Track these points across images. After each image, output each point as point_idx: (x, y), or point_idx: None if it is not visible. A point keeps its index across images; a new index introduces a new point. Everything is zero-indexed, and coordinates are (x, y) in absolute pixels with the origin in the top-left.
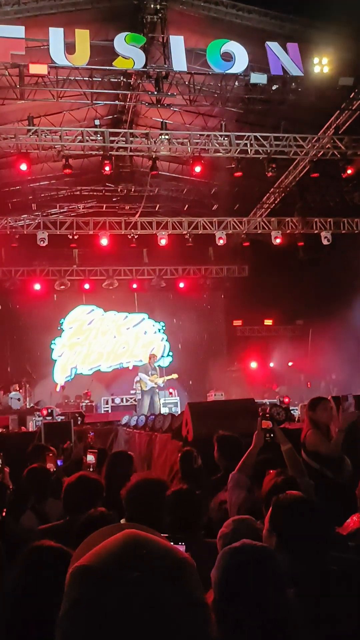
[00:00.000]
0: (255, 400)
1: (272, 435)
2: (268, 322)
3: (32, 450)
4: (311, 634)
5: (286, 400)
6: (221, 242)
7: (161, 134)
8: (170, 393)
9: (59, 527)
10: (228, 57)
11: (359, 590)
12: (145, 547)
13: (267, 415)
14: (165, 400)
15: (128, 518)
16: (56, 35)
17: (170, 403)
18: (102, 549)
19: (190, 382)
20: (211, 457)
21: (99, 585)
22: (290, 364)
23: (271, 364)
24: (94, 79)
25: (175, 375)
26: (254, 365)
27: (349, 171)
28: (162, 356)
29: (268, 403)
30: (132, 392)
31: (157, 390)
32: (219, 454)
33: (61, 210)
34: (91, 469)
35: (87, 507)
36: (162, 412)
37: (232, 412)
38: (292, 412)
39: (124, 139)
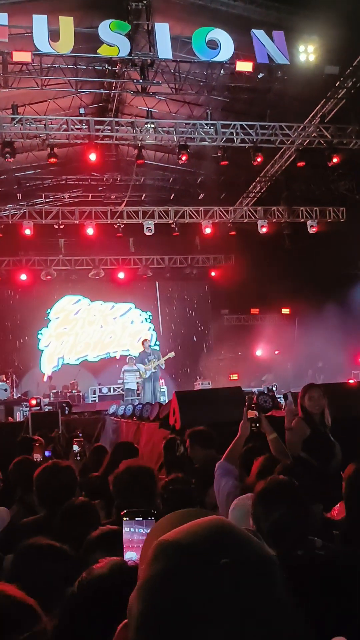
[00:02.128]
0: (243, 389)
1: (257, 424)
2: (254, 310)
3: (21, 442)
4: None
5: (275, 388)
6: (207, 231)
7: (147, 123)
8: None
9: (38, 522)
10: (214, 45)
11: (344, 580)
12: (235, 536)
13: (253, 405)
14: None
15: (118, 505)
16: (40, 22)
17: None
18: (191, 529)
19: (175, 367)
20: None
21: (187, 561)
22: (276, 352)
23: (258, 353)
24: (78, 66)
25: (172, 354)
26: (240, 353)
27: (335, 160)
28: (151, 345)
29: (256, 391)
30: (119, 381)
31: (158, 375)
32: (192, 449)
33: (47, 200)
34: (78, 458)
35: (65, 498)
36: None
37: (219, 401)
38: (278, 400)
39: (109, 127)
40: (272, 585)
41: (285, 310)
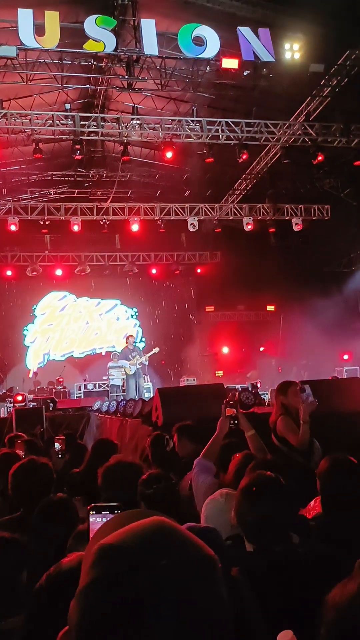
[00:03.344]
0: (227, 386)
1: (236, 422)
2: (240, 307)
3: (9, 441)
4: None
5: (259, 384)
6: (193, 228)
7: (132, 119)
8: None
9: (15, 520)
10: (199, 42)
11: (319, 575)
12: (175, 537)
13: (231, 402)
14: None
15: (105, 499)
16: (25, 17)
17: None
18: (131, 531)
19: (163, 364)
20: None
21: (126, 565)
22: (261, 349)
23: (243, 349)
24: (64, 62)
25: (156, 350)
26: (225, 350)
27: (319, 158)
28: (135, 342)
29: (239, 388)
30: (105, 377)
31: (141, 371)
32: (180, 444)
33: (32, 196)
34: (59, 456)
35: (41, 495)
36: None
37: (201, 397)
38: (262, 396)
39: (95, 123)
40: (212, 585)
41: (271, 307)
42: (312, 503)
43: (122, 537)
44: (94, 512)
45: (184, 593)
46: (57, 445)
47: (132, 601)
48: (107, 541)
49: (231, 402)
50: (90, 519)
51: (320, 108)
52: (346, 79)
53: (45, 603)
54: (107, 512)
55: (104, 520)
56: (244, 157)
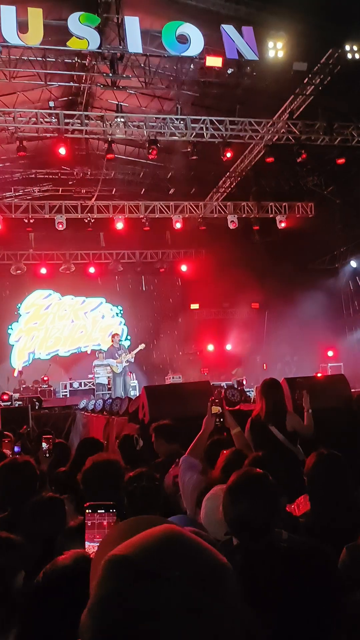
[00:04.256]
0: (212, 383)
1: (221, 419)
2: (225, 305)
3: None
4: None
5: (245, 381)
6: (178, 225)
7: (117, 117)
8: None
9: (2, 521)
10: (183, 40)
11: (305, 570)
12: (187, 546)
13: (217, 400)
14: None
15: (86, 499)
16: (8, 13)
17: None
18: (141, 541)
19: (146, 361)
20: None
21: (137, 578)
22: (246, 346)
23: (228, 347)
24: (47, 59)
25: (142, 346)
26: (210, 347)
27: (303, 156)
28: (121, 340)
29: (225, 385)
30: (90, 375)
31: (127, 369)
32: (157, 443)
33: (16, 194)
34: (47, 455)
35: (27, 494)
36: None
37: (187, 395)
38: (248, 393)
39: (79, 121)
40: (223, 594)
41: (255, 305)
42: (300, 499)
43: (133, 548)
44: (90, 511)
45: (197, 604)
46: (44, 445)
47: (144, 615)
48: (117, 552)
49: (217, 400)
50: (87, 518)
51: (304, 106)
52: (329, 78)
53: (41, 600)
54: (103, 511)
55: (100, 518)
56: (228, 155)
